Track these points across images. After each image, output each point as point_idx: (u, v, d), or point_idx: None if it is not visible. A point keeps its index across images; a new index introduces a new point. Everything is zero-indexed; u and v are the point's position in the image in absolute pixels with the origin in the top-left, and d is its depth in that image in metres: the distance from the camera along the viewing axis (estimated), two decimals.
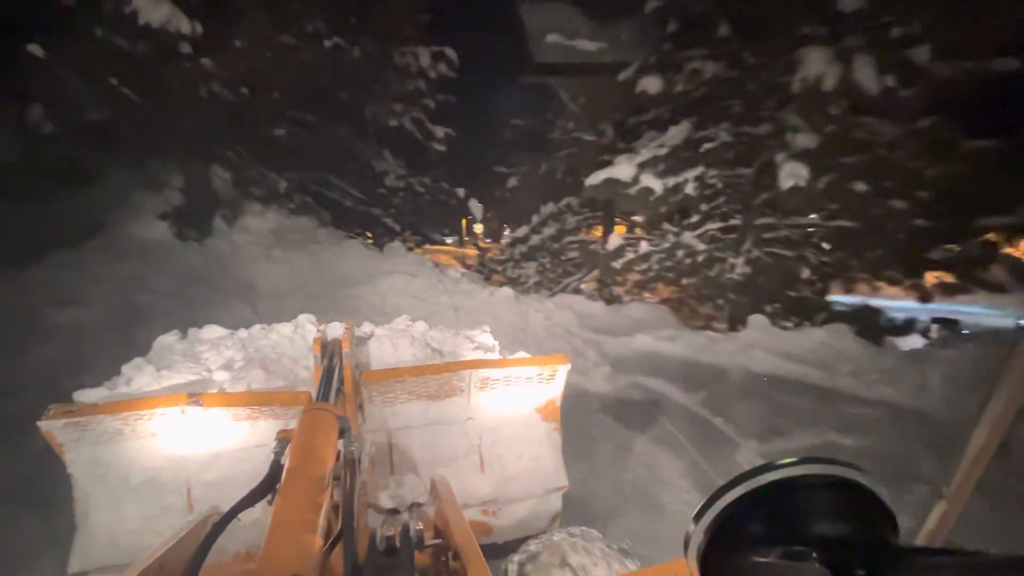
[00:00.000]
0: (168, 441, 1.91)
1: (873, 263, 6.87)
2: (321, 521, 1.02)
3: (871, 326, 6.70)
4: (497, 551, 1.88)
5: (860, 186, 5.78)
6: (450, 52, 9.06)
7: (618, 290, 12.38)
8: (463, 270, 9.24)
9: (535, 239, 12.29)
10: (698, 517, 0.44)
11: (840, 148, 6.12)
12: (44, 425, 1.73)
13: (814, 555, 0.38)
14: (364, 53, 7.32)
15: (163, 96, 5.65)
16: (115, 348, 5.07)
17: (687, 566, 0.46)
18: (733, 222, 8.22)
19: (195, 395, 1.89)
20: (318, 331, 2.17)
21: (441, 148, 9.72)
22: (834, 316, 7.03)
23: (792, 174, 5.69)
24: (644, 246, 7.37)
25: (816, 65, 5.92)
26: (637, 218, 13.57)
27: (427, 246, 12.38)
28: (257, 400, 1.96)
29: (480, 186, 11.29)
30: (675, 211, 7.51)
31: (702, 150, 6.71)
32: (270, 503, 1.09)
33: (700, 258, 7.91)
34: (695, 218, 8.50)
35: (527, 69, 12.57)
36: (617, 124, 9.86)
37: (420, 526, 1.39)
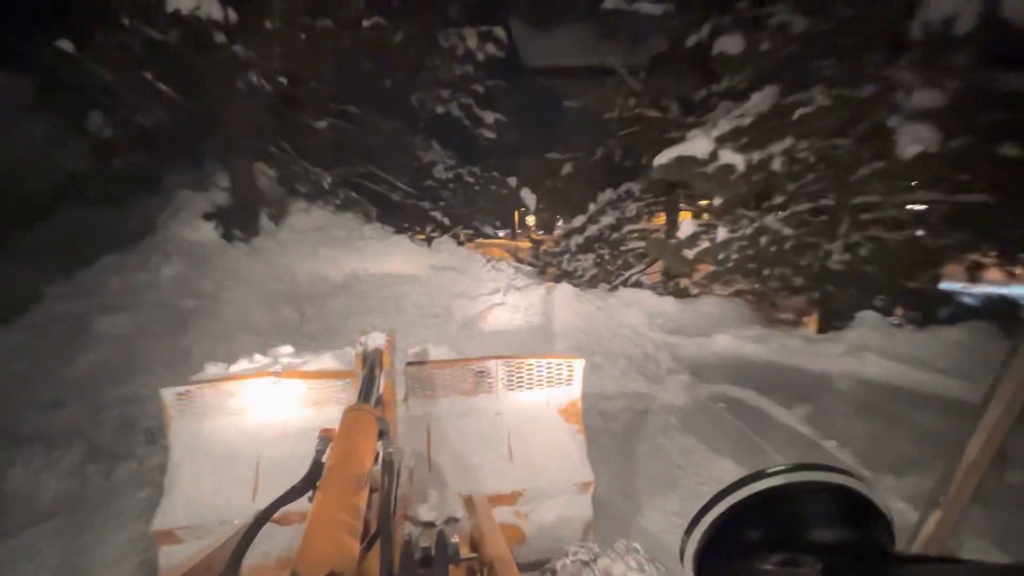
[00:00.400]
0: (249, 419, 2.20)
1: (1015, 243, 5.59)
2: (358, 524, 1.02)
3: (1014, 322, 5.45)
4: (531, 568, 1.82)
5: (1011, 150, 4.61)
6: (499, 32, 8.42)
7: (684, 282, 11.37)
8: (516, 264, 8.63)
9: (592, 229, 11.47)
10: (694, 524, 0.43)
11: (973, 106, 4.95)
12: (164, 392, 2.10)
13: (810, 562, 0.37)
14: (407, 37, 6.83)
15: (201, 90, 5.40)
16: (157, 355, 4.89)
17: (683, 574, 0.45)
18: (825, 202, 7.07)
19: (277, 372, 2.24)
20: (359, 343, 2.09)
21: (491, 135, 9.12)
22: (964, 311, 5.82)
23: (917, 138, 4.61)
24: (722, 232, 6.45)
25: (944, 4, 4.77)
26: (704, 202, 12.45)
27: (478, 240, 11.90)
28: (327, 376, 2.25)
29: (531, 175, 10.61)
30: (758, 191, 6.51)
31: (795, 117, 5.68)
32: (310, 500, 1.11)
33: (787, 245, 6.85)
34: (777, 199, 7.42)
35: (581, 44, 11.75)
36: (684, 97, 8.86)
37: (456, 540, 1.36)
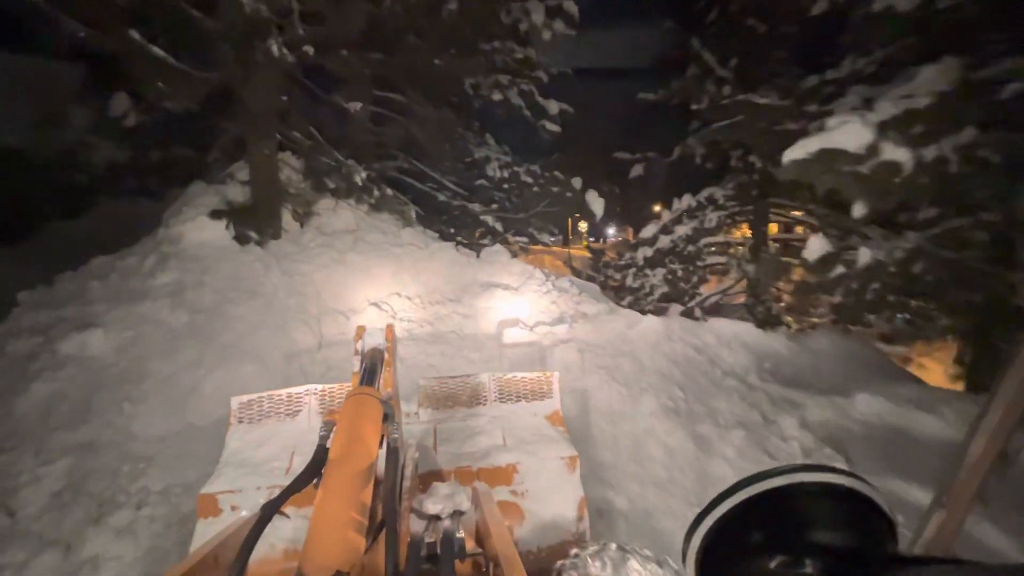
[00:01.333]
0: (291, 422, 2.65)
1: None
2: (364, 520, 1.04)
3: None
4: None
5: None
6: (570, 5, 7.10)
7: (777, 307, 9.59)
8: (573, 278, 7.23)
9: (664, 241, 9.92)
10: (696, 524, 0.43)
11: None
12: (232, 400, 2.65)
13: (813, 564, 0.37)
14: (461, 6, 5.63)
15: (211, 60, 4.39)
16: (129, 388, 3.88)
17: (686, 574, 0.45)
18: (986, 216, 5.28)
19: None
20: (356, 346, 2.04)
21: (554, 128, 7.80)
22: None
23: None
24: (864, 254, 4.82)
25: None
26: (798, 213, 10.60)
27: (528, 246, 10.59)
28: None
29: (594, 176, 9.17)
30: (920, 196, 4.84)
31: (987, 100, 4.03)
32: (316, 487, 1.14)
33: (948, 273, 5.13)
34: (928, 211, 5.68)
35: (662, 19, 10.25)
36: (788, 85, 7.19)
37: (462, 535, 1.36)
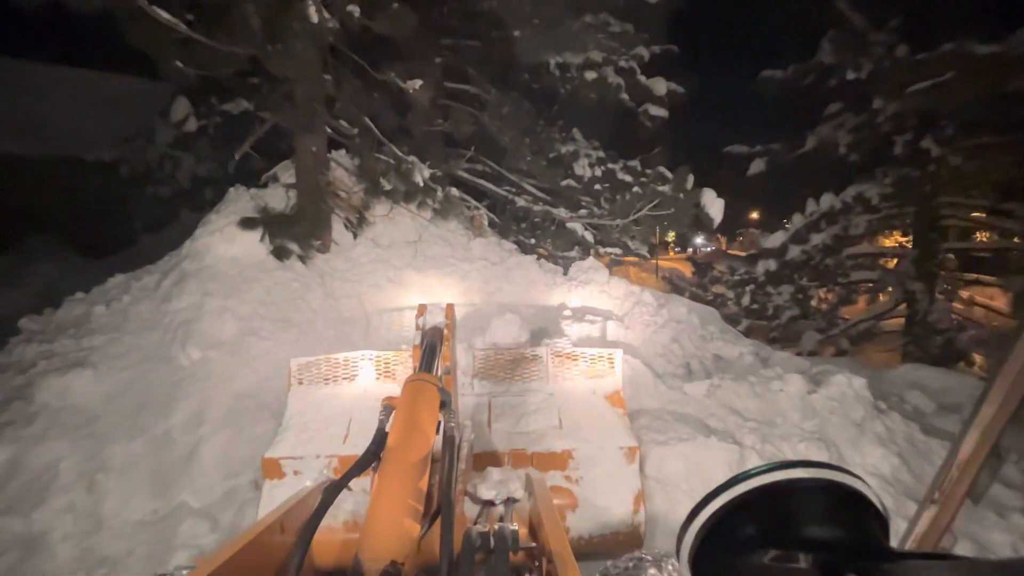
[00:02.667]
0: (349, 389, 2.68)
1: None
2: (420, 506, 1.09)
3: None
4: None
5: None
6: None
7: (964, 338, 7.25)
8: (687, 301, 5.58)
9: (795, 251, 7.97)
10: (691, 519, 0.42)
11: None
12: (292, 362, 2.67)
13: (805, 558, 0.37)
14: None
15: (240, 32, 3.48)
16: (101, 452, 2.84)
17: (679, 569, 0.45)
18: None
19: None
20: (418, 322, 2.04)
21: (660, 113, 6.29)
22: None
23: None
24: None
25: None
26: (978, 214, 8.13)
27: (622, 258, 9.02)
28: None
29: (701, 175, 7.44)
30: None
31: None
32: (375, 470, 1.22)
33: None
34: None
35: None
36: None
37: (515, 526, 1.37)
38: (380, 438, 1.30)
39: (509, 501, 1.74)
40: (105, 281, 4.09)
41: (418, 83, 4.09)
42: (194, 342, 3.44)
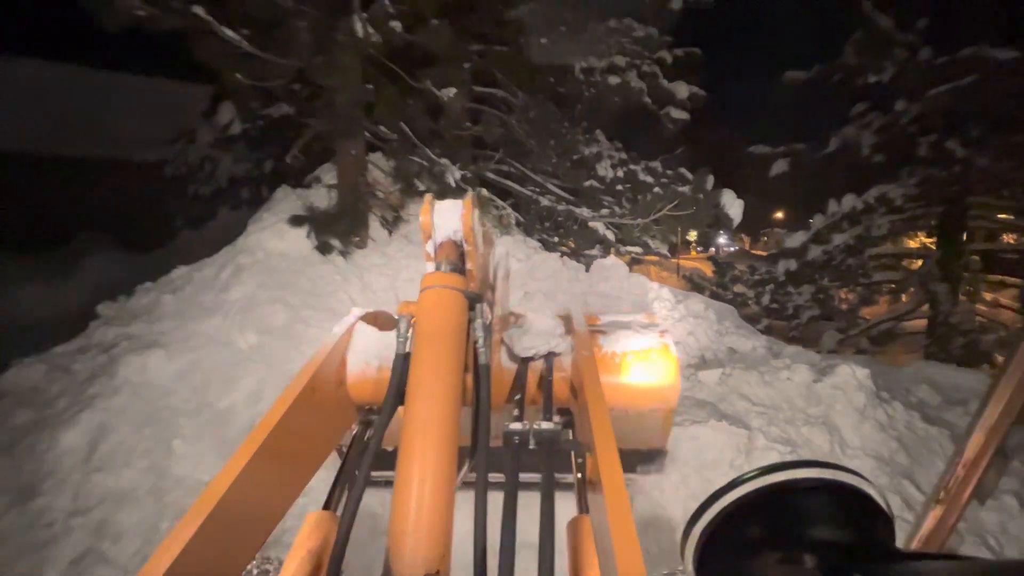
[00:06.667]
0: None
1: None
2: (451, 510, 0.95)
3: None
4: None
5: None
6: None
7: (987, 340, 7.25)
8: (705, 298, 5.77)
9: (816, 251, 8.04)
10: (695, 520, 0.42)
11: None
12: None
13: (811, 559, 0.37)
14: None
15: (292, 46, 3.83)
16: (179, 423, 3.21)
17: (684, 570, 0.44)
18: None
19: None
20: (422, 219, 1.54)
21: (681, 116, 6.48)
22: None
23: None
24: None
25: None
26: (1005, 216, 8.06)
27: (642, 257, 9.19)
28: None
29: (722, 176, 7.61)
30: None
31: None
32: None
33: None
34: None
35: None
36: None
37: (559, 424, 1.17)
38: (401, 366, 1.18)
39: (550, 355, 1.56)
40: (169, 272, 4.50)
41: (452, 91, 4.40)
42: (251, 328, 3.82)
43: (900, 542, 0.43)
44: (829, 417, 2.83)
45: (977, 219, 7.86)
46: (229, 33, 3.41)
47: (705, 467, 2.61)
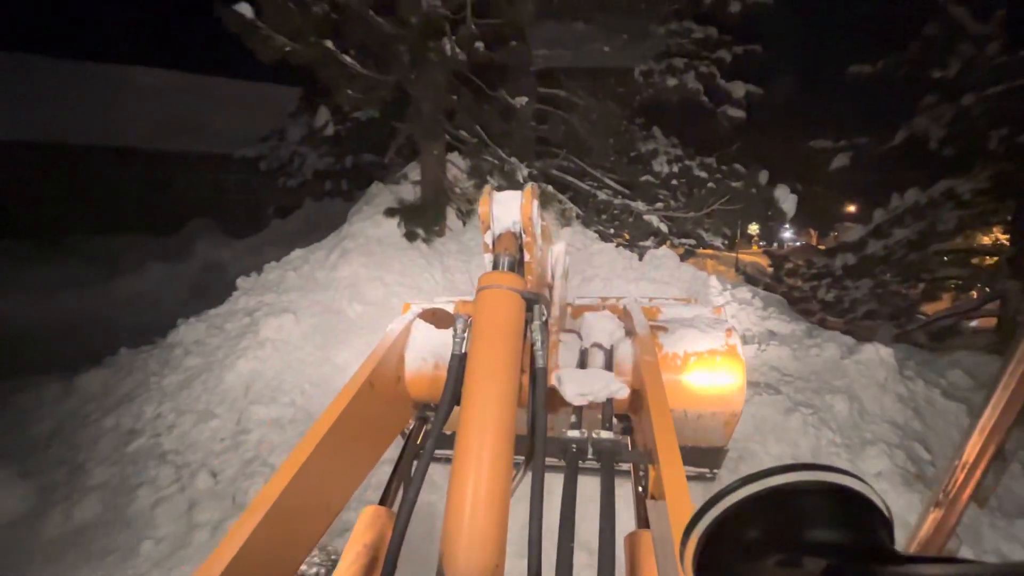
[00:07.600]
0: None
1: None
2: (505, 517, 0.91)
3: None
4: None
5: None
6: None
7: None
8: (752, 288, 6.11)
9: (876, 246, 8.05)
10: (694, 523, 0.42)
11: None
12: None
13: (810, 562, 0.38)
14: None
15: (391, 65, 4.59)
16: (308, 371, 4.22)
17: (682, 573, 0.45)
18: None
19: None
20: (480, 211, 1.47)
21: (738, 114, 6.77)
22: None
23: None
24: None
25: None
26: None
27: (696, 249, 9.47)
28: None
29: (781, 170, 7.79)
30: None
31: None
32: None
33: None
34: None
35: None
36: None
37: (617, 434, 1.19)
38: (457, 367, 1.18)
39: (611, 352, 1.55)
40: (290, 252, 5.44)
41: (524, 100, 5.02)
42: (356, 300, 4.67)
43: (900, 544, 0.43)
44: (852, 388, 3.24)
45: None
46: (347, 59, 4.20)
47: (743, 425, 3.12)
